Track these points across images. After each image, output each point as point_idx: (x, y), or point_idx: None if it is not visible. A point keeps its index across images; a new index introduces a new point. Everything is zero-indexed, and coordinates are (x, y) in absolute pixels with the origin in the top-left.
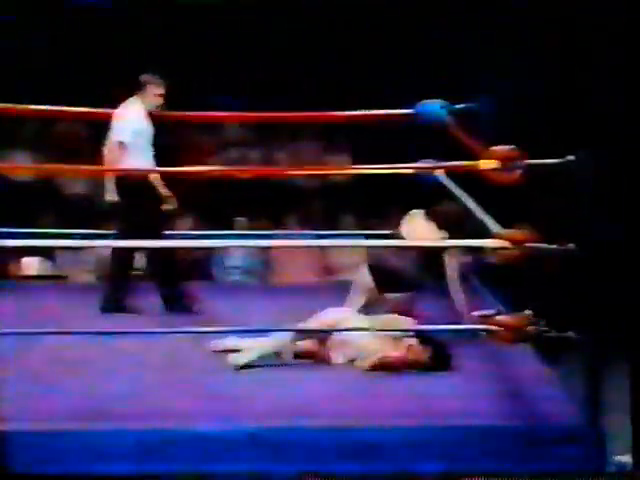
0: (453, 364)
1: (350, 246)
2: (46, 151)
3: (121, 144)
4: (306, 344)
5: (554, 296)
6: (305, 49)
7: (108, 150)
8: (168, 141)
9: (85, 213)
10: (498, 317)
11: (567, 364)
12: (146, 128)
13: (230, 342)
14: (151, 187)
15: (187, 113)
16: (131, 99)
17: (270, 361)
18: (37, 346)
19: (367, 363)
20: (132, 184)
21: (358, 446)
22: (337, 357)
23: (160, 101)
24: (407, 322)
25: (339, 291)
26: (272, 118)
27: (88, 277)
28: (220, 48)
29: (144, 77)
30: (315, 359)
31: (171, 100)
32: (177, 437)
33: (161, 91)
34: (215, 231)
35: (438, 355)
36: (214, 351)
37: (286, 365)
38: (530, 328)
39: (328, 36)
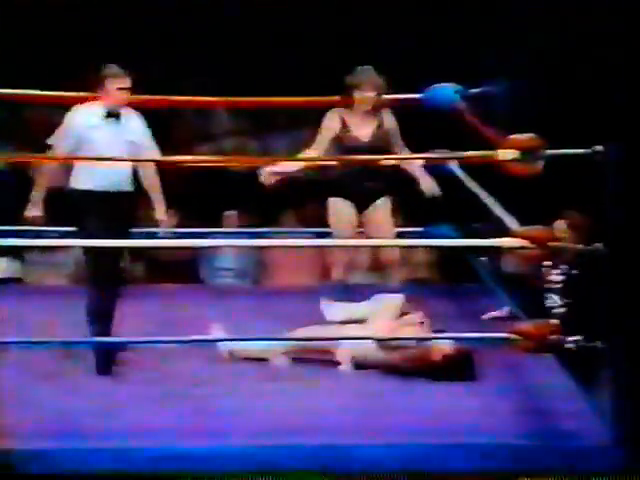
0: (471, 373)
1: (351, 246)
2: (15, 139)
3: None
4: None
5: (579, 301)
6: (304, 30)
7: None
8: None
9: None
10: (519, 325)
11: (594, 377)
12: (96, 134)
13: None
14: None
15: (173, 98)
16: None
17: (266, 368)
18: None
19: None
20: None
21: (363, 466)
22: (344, 363)
23: (124, 97)
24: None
25: (339, 294)
26: (269, 103)
27: (62, 280)
28: (210, 30)
29: (102, 69)
30: (319, 361)
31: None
32: (160, 457)
33: (124, 84)
34: (203, 227)
35: (458, 358)
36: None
37: (285, 373)
38: (553, 337)
39: (330, 13)
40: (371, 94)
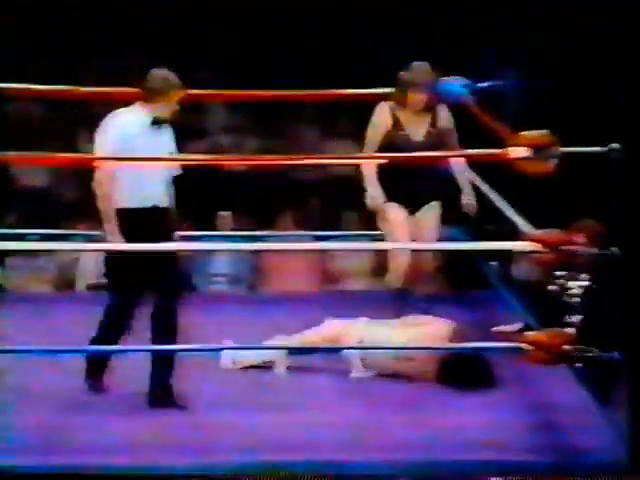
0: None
1: (353, 250)
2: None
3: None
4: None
5: (595, 309)
6: (304, 30)
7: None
8: None
9: (44, 210)
10: (531, 334)
11: (610, 389)
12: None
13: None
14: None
15: None
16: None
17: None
18: None
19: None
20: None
21: None
22: (357, 369)
23: (177, 109)
24: (438, 325)
25: (341, 302)
26: (268, 97)
27: (44, 286)
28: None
29: (161, 77)
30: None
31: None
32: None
33: (182, 94)
34: (194, 229)
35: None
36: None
37: (286, 382)
38: (568, 347)
39: (330, 13)
40: (425, 92)
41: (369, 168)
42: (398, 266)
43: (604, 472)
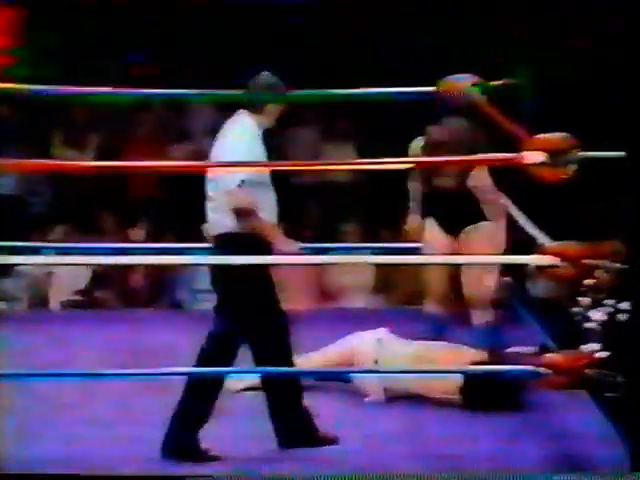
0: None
1: (353, 263)
2: None
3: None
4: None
5: (618, 330)
6: (304, 30)
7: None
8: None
9: (14, 220)
10: (548, 356)
11: (633, 417)
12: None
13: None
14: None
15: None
16: (242, 114)
17: None
18: None
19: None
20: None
21: None
22: (372, 392)
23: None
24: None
25: (340, 320)
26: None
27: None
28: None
29: (270, 86)
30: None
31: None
32: None
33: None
34: (179, 241)
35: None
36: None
37: None
38: (588, 371)
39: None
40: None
41: (414, 195)
42: (433, 289)
43: None
